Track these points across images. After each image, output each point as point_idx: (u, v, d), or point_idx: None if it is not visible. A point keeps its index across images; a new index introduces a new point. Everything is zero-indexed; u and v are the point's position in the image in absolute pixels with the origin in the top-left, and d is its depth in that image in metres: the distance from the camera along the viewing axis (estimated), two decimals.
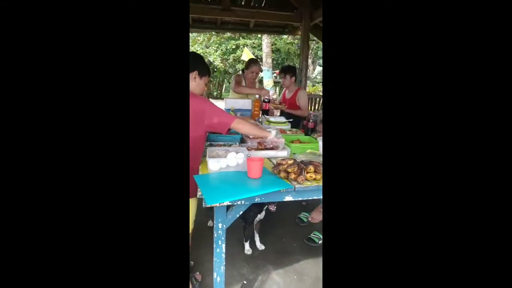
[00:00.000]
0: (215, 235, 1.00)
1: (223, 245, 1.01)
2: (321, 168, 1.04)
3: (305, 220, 1.96)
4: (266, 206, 1.52)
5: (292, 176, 1.02)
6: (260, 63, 8.25)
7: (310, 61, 9.73)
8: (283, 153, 1.38)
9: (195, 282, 1.33)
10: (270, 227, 1.88)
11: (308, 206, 2.13)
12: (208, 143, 1.47)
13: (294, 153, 1.39)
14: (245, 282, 1.40)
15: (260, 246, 1.66)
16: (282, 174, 1.05)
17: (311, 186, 1.00)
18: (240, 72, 2.65)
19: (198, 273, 1.39)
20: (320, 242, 1.70)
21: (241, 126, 1.25)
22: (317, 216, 1.85)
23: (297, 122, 2.52)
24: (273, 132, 1.35)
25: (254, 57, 7.63)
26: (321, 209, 1.79)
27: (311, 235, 1.75)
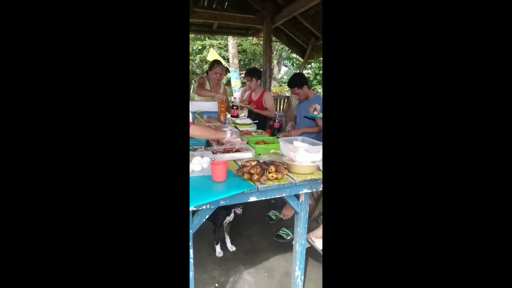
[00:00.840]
0: None
1: (191, 251, 1.01)
2: (282, 167, 1.10)
3: (273, 218, 2.02)
4: (234, 208, 1.55)
5: (255, 177, 1.06)
6: (227, 64, 8.22)
7: (275, 62, 9.95)
8: (248, 155, 1.41)
9: None
10: (240, 227, 1.91)
11: (277, 203, 2.20)
12: None
13: (259, 154, 1.44)
14: (216, 284, 1.41)
15: (231, 247, 1.69)
16: (246, 176, 1.08)
17: (273, 186, 1.05)
18: (205, 74, 2.64)
19: None
20: (289, 237, 1.78)
21: (198, 133, 1.29)
22: (287, 212, 1.92)
23: (263, 122, 2.59)
24: (229, 133, 1.38)
25: (218, 58, 7.59)
26: (289, 206, 1.86)
27: (280, 232, 1.82)
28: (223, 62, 7.81)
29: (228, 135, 1.37)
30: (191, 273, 1.04)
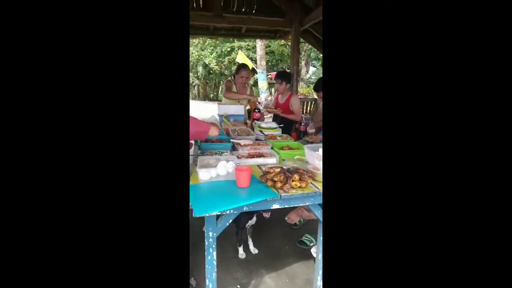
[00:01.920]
0: (206, 243, 1.04)
1: (214, 253, 1.05)
2: (306, 175, 1.09)
3: (297, 223, 2.01)
4: (257, 212, 1.57)
5: (279, 184, 1.07)
6: (254, 65, 8.30)
7: (303, 62, 9.81)
8: (272, 160, 1.43)
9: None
10: (263, 230, 1.92)
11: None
12: (200, 151, 1.52)
13: (283, 160, 1.44)
14: (238, 286, 1.44)
15: (253, 250, 1.71)
16: (269, 183, 1.10)
17: (296, 194, 1.05)
18: (232, 77, 2.71)
19: (193, 278, 1.44)
20: (312, 244, 1.75)
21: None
22: (293, 217, 1.90)
23: (289, 126, 2.59)
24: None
25: (245, 62, 7.68)
26: (298, 210, 1.85)
27: (303, 238, 1.80)
28: (251, 63, 7.92)
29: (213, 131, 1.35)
30: (214, 274, 1.08)
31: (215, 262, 1.06)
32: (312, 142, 2.08)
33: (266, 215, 1.58)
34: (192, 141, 1.33)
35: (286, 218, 1.92)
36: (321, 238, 1.22)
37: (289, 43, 3.87)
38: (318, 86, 2.08)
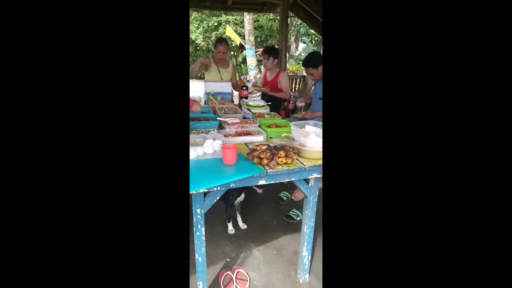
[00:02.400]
0: (194, 220, 1.06)
1: (203, 229, 1.08)
2: (292, 152, 1.11)
3: (284, 198, 2.07)
4: (246, 189, 1.60)
5: (265, 161, 1.08)
6: (243, 41, 7.99)
7: (292, 38, 9.53)
8: (259, 138, 1.43)
9: None
10: (252, 206, 1.98)
11: (289, 185, 2.24)
12: None
13: (270, 137, 1.44)
14: (228, 259, 1.50)
15: (242, 225, 1.76)
16: (256, 160, 1.10)
17: (282, 170, 1.07)
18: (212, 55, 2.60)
19: None
20: (298, 218, 1.82)
21: None
22: (299, 194, 1.96)
23: (277, 104, 2.56)
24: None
25: (234, 37, 7.37)
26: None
27: (290, 212, 1.87)
28: (239, 39, 7.59)
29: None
30: (203, 248, 1.11)
31: (203, 238, 1.09)
32: (303, 118, 2.09)
33: (259, 191, 1.61)
34: None
35: (292, 197, 1.96)
36: (307, 212, 1.27)
37: (278, 18, 3.71)
38: (308, 62, 2.03)
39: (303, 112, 2.22)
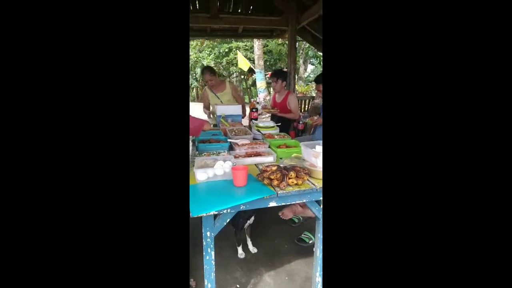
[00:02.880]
0: (204, 243, 1.04)
1: (212, 252, 1.06)
2: (303, 172, 1.10)
3: (296, 220, 2.01)
4: (255, 212, 1.58)
5: (275, 182, 1.07)
6: (253, 65, 8.30)
7: (301, 61, 9.81)
8: (269, 159, 1.43)
9: None
10: (262, 229, 1.93)
11: None
12: (197, 152, 1.52)
13: (280, 158, 1.45)
14: (238, 285, 1.45)
15: (252, 249, 1.71)
16: (266, 181, 1.10)
17: (292, 192, 1.06)
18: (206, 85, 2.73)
19: (192, 279, 1.44)
20: (311, 241, 1.76)
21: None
22: (287, 213, 1.92)
23: (287, 125, 2.59)
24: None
25: (244, 62, 7.66)
26: (292, 207, 1.88)
27: (302, 235, 1.80)
28: (248, 63, 7.88)
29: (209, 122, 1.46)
30: (213, 274, 1.08)
31: (213, 262, 1.07)
32: (316, 124, 2.10)
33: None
34: (190, 141, 1.35)
35: (279, 214, 1.93)
36: (320, 235, 1.22)
37: (287, 42, 3.87)
38: (319, 78, 2.13)
39: (315, 117, 2.24)
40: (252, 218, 1.61)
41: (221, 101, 2.61)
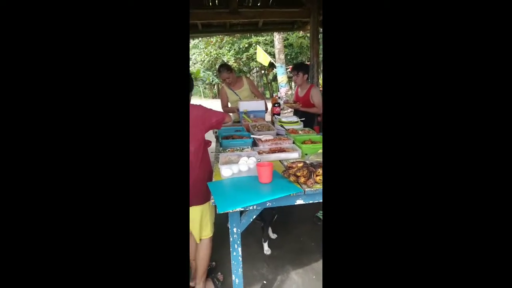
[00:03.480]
0: (231, 239, 1.04)
1: (239, 248, 1.05)
2: None
3: (321, 218, 1.96)
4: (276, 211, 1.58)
5: (302, 179, 1.04)
6: (273, 60, 8.19)
7: None
8: (294, 155, 1.39)
9: (217, 283, 1.40)
10: (288, 226, 1.90)
11: None
12: (221, 148, 1.53)
13: (306, 154, 1.40)
14: (265, 282, 1.44)
15: (272, 235, 1.74)
16: (292, 178, 1.07)
17: (320, 189, 1.01)
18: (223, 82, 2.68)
19: (220, 273, 1.46)
20: None
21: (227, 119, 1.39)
22: None
23: (311, 119, 2.51)
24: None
25: (264, 57, 7.58)
26: None
27: None
28: (269, 58, 7.78)
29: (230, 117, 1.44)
30: (240, 269, 1.08)
31: (240, 258, 1.07)
32: None
33: None
34: (210, 139, 1.35)
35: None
36: None
37: (308, 35, 3.75)
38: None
39: None
40: (276, 216, 1.60)
41: (239, 98, 2.58)
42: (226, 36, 10.20)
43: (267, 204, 1.01)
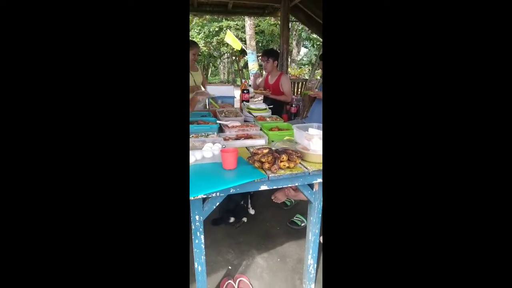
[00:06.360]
0: (193, 227, 1.01)
1: (202, 236, 1.03)
2: (295, 156, 1.06)
3: (288, 203, 2.01)
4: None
5: (266, 165, 1.03)
6: (244, 46, 8.02)
7: (294, 43, 9.55)
8: (260, 142, 1.38)
9: None
10: (255, 212, 1.92)
11: None
12: None
13: (272, 141, 1.40)
14: (230, 267, 1.45)
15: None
16: (257, 164, 1.06)
17: (284, 175, 1.02)
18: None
19: None
20: (303, 224, 1.76)
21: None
22: (280, 196, 1.90)
23: (279, 107, 2.52)
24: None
25: (234, 42, 7.37)
26: (285, 190, 1.82)
27: (294, 218, 1.81)
28: (240, 44, 7.60)
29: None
30: (202, 257, 1.06)
31: (203, 246, 1.04)
32: (314, 96, 2.07)
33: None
34: None
35: (272, 197, 1.92)
36: (312, 218, 1.21)
37: (279, 22, 3.70)
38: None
39: (316, 90, 2.17)
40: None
41: (194, 81, 2.46)
42: (195, 18, 9.68)
43: (231, 191, 0.99)
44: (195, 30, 10.24)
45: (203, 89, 2.22)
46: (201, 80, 2.49)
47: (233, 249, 1.58)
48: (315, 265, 1.29)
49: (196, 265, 1.07)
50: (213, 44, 10.31)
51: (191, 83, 2.40)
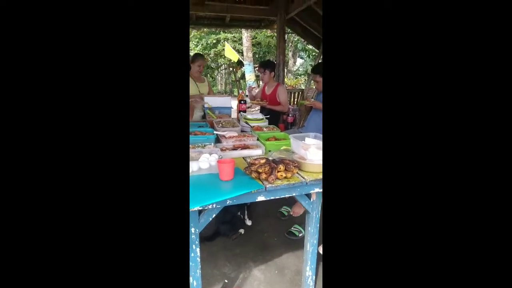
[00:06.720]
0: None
1: (197, 249, 1.01)
2: (292, 165, 1.06)
3: (285, 213, 1.99)
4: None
5: (263, 176, 1.03)
6: (241, 57, 8.15)
7: (290, 54, 9.73)
8: (257, 152, 1.38)
9: None
10: (252, 223, 1.89)
11: (289, 199, 2.16)
12: None
13: (269, 151, 1.40)
14: (226, 281, 1.41)
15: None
16: (254, 175, 1.05)
17: (282, 185, 1.02)
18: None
19: None
20: (301, 235, 1.74)
21: None
22: (298, 210, 1.88)
23: (276, 117, 2.54)
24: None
25: (232, 54, 7.50)
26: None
27: (292, 228, 1.79)
28: (237, 55, 7.73)
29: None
30: (198, 271, 1.04)
31: (198, 259, 1.02)
32: (311, 106, 2.09)
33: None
34: None
35: (291, 213, 1.90)
36: (310, 228, 1.20)
37: (276, 34, 3.79)
38: (317, 69, 2.06)
39: (312, 100, 2.19)
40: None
41: (199, 92, 2.48)
42: (193, 30, 9.86)
43: (227, 202, 0.98)
44: (193, 42, 10.42)
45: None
46: (207, 91, 2.51)
47: (229, 261, 1.54)
48: (314, 276, 1.26)
49: (191, 280, 1.04)
50: (210, 56, 10.46)
51: (196, 92, 2.43)
